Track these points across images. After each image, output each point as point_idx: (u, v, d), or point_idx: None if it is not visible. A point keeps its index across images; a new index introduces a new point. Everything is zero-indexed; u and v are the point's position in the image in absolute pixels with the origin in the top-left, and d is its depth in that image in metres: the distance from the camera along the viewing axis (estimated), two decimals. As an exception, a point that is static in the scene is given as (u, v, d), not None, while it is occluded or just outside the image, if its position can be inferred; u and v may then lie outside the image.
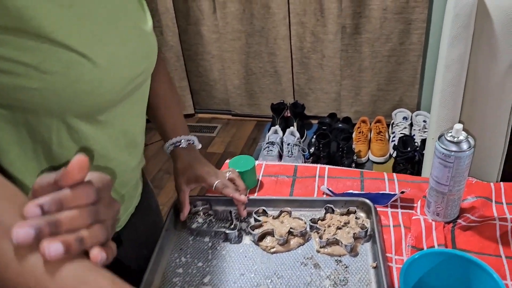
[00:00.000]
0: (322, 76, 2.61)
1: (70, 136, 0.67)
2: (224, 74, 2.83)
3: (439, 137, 0.83)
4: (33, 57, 0.57)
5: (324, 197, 0.98)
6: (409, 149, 2.16)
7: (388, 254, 0.83)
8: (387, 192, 0.97)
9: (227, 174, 0.94)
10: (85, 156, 0.46)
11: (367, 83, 2.53)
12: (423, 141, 2.16)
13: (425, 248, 0.83)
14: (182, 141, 0.93)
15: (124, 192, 0.83)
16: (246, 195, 0.92)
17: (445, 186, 0.84)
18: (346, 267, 0.81)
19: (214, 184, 0.90)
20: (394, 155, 2.26)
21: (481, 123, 1.06)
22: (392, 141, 2.39)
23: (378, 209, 0.92)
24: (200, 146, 0.97)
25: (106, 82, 0.64)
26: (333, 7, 2.33)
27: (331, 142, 2.26)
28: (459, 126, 0.80)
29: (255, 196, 1.00)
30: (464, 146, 0.80)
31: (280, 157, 2.38)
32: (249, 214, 0.93)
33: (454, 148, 0.80)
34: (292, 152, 2.34)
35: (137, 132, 0.83)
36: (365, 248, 0.84)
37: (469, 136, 0.81)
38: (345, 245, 0.83)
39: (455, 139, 0.81)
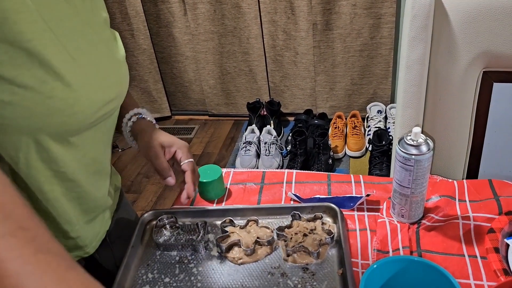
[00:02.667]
0: (297, 73, 2.61)
1: (39, 155, 0.67)
2: (199, 75, 2.81)
3: (399, 141, 0.83)
4: (10, 69, 0.57)
5: (291, 203, 0.98)
6: (383, 142, 2.18)
7: (354, 259, 0.83)
8: (353, 195, 0.98)
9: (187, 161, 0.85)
10: None
11: (341, 78, 2.54)
12: (398, 134, 2.19)
13: (390, 251, 0.84)
14: (133, 116, 0.86)
15: (91, 217, 0.82)
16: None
17: (407, 188, 0.85)
18: (313, 274, 0.81)
19: (186, 154, 0.83)
20: (370, 148, 2.28)
21: (445, 121, 1.07)
22: (368, 135, 2.41)
23: (344, 212, 0.93)
24: (153, 118, 0.89)
25: (79, 102, 0.65)
26: (303, 4, 2.33)
27: (308, 139, 2.27)
28: (417, 129, 0.81)
29: (222, 205, 1.00)
30: (424, 148, 0.81)
31: (258, 156, 2.39)
32: (216, 225, 0.93)
33: (414, 151, 0.81)
34: (269, 151, 2.35)
35: (105, 160, 0.83)
36: (332, 254, 0.85)
37: (428, 138, 0.82)
38: (312, 252, 0.83)
39: (415, 142, 0.81)
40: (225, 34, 2.59)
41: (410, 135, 0.82)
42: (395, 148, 0.84)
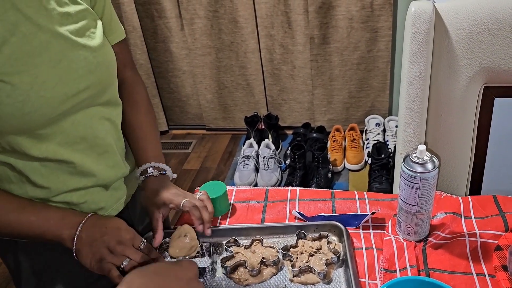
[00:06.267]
0: (294, 87, 2.62)
1: (12, 148, 0.74)
2: (196, 89, 2.81)
3: (404, 159, 0.83)
4: None
5: (296, 222, 0.97)
6: (383, 155, 2.18)
7: (361, 279, 0.82)
8: (358, 213, 0.97)
9: (197, 195, 0.92)
10: None
11: (339, 91, 2.55)
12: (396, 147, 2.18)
13: (397, 269, 0.83)
14: (150, 168, 0.91)
15: (101, 187, 0.88)
16: (211, 219, 0.90)
17: (413, 206, 0.84)
18: (320, 295, 0.80)
19: (182, 203, 0.87)
20: (369, 162, 2.27)
21: (447, 136, 1.07)
22: (367, 147, 2.41)
23: (350, 231, 0.92)
24: (174, 176, 0.95)
25: (30, 103, 0.69)
26: (300, 18, 2.34)
27: (306, 153, 2.26)
28: (422, 147, 0.81)
29: (226, 225, 0.99)
30: (429, 166, 0.81)
31: (257, 170, 2.38)
32: (220, 245, 0.92)
33: (419, 169, 0.80)
34: (268, 165, 2.34)
35: (103, 136, 0.85)
36: (339, 274, 0.84)
37: (433, 156, 0.82)
38: (318, 273, 0.82)
39: (420, 160, 0.81)
40: (222, 48, 2.60)
41: (415, 153, 0.82)
42: (400, 165, 0.83)
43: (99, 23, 0.83)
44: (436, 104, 1.06)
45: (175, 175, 0.96)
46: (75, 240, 0.76)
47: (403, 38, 1.02)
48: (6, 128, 0.70)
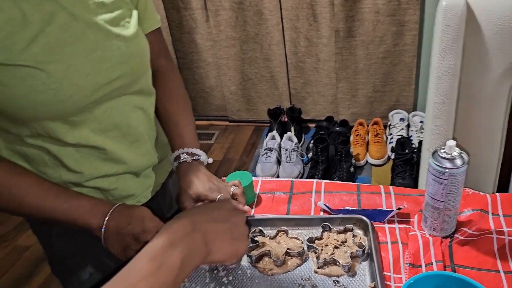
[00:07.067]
0: (318, 80, 2.61)
1: (46, 132, 0.76)
2: (220, 81, 2.83)
3: (433, 154, 0.82)
4: None
5: (321, 214, 0.98)
6: (406, 151, 2.16)
7: (386, 273, 0.83)
8: (384, 208, 0.97)
9: (232, 189, 0.91)
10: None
11: (363, 85, 2.53)
12: (421, 142, 2.16)
13: (423, 265, 0.83)
14: (183, 154, 0.92)
15: (132, 174, 0.91)
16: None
17: (440, 202, 0.84)
18: (344, 287, 0.81)
19: (217, 198, 0.87)
20: (393, 157, 2.26)
21: (475, 133, 1.06)
22: (390, 142, 2.39)
23: (375, 225, 0.92)
24: (208, 161, 0.96)
25: (63, 91, 0.71)
26: (325, 11, 2.33)
27: (329, 146, 2.26)
28: (452, 142, 0.80)
29: (252, 215, 1.00)
30: (458, 162, 0.80)
31: (279, 162, 2.38)
32: (246, 235, 0.93)
33: (448, 164, 0.80)
34: (290, 158, 2.34)
35: (135, 125, 0.88)
36: (363, 267, 0.84)
37: (462, 152, 0.81)
38: (343, 265, 0.83)
39: (449, 155, 0.80)
40: (247, 40, 2.60)
41: (444, 148, 0.81)
42: (428, 161, 0.83)
43: (134, 13, 0.84)
44: (465, 99, 1.04)
45: (210, 160, 0.96)
46: (103, 229, 0.78)
47: (430, 32, 1.02)
48: (41, 114, 0.73)
